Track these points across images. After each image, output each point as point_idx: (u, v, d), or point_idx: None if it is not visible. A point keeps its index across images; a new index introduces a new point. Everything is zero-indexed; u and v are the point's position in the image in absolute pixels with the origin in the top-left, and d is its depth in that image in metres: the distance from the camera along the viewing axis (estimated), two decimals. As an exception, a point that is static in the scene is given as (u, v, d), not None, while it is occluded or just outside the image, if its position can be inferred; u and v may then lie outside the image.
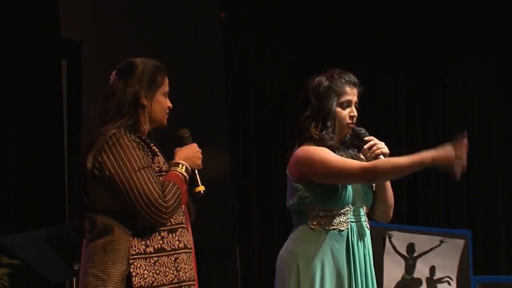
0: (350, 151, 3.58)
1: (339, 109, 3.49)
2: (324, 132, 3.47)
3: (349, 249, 3.46)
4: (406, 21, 6.49)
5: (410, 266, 5.49)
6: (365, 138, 3.53)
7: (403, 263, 5.48)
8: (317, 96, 3.50)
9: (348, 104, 3.51)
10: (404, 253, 5.50)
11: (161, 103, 3.17)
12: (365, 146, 3.51)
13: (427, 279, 5.51)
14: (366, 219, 3.56)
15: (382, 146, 3.50)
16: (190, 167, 3.13)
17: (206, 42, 6.48)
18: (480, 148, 6.46)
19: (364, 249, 3.51)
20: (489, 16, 6.46)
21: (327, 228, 3.45)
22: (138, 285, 2.99)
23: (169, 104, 3.20)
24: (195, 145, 3.21)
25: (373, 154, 3.49)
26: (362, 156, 3.58)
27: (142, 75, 3.13)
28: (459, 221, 6.29)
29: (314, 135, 3.49)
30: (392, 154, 3.52)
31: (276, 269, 3.54)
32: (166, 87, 3.19)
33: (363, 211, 3.54)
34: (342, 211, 3.46)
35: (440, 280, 5.50)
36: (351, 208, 3.48)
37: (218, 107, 6.35)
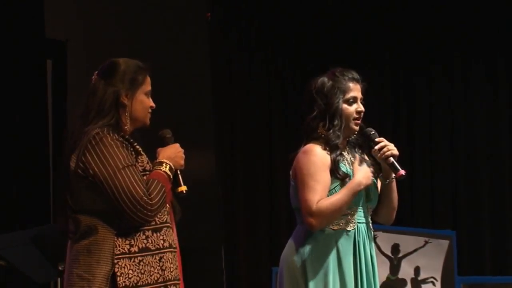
0: (356, 150, 3.56)
1: (345, 106, 3.49)
2: (331, 130, 3.46)
3: (356, 249, 3.46)
4: (394, 23, 6.52)
5: (395, 267, 5.51)
6: (376, 140, 3.51)
7: (388, 263, 5.50)
8: (322, 96, 3.50)
9: (354, 100, 3.51)
10: (389, 253, 5.52)
11: (143, 102, 3.16)
12: (376, 147, 3.49)
13: (412, 279, 5.53)
14: (370, 221, 3.55)
15: (392, 148, 3.48)
16: (173, 166, 3.13)
17: (192, 42, 6.47)
18: (465, 149, 6.48)
19: (371, 250, 3.51)
20: (479, 17, 6.48)
21: (334, 228, 3.44)
22: (123, 284, 2.98)
23: (152, 104, 3.19)
24: (177, 145, 3.21)
25: (383, 156, 3.47)
26: (367, 158, 3.55)
27: (124, 74, 3.13)
28: (443, 222, 6.31)
29: (322, 135, 3.48)
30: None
31: (281, 269, 3.52)
32: (147, 87, 3.18)
33: (368, 213, 3.53)
34: (348, 211, 3.45)
35: (424, 281, 5.53)
36: (357, 209, 3.48)
37: (204, 107, 6.35)
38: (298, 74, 6.45)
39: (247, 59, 6.41)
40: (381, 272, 5.47)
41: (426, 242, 5.51)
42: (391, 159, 3.46)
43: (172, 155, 3.16)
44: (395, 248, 5.52)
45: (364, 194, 3.49)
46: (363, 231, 3.48)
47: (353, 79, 3.53)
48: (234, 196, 6.26)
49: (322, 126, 3.49)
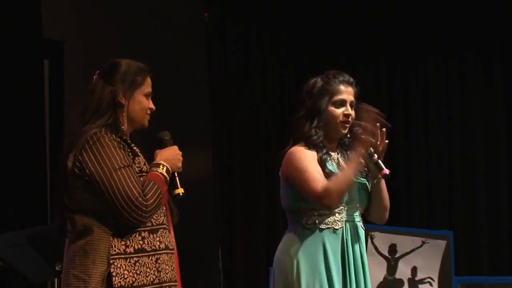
0: (348, 153, 3.55)
1: (332, 108, 3.49)
2: (313, 131, 3.48)
3: (344, 248, 3.47)
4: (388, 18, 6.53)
5: (392, 267, 5.51)
6: (359, 132, 3.47)
7: (385, 264, 5.50)
8: (311, 97, 3.52)
9: (342, 103, 3.50)
10: (386, 254, 5.52)
11: (141, 103, 3.16)
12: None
13: (409, 279, 5.54)
14: (361, 220, 3.56)
15: (372, 139, 3.44)
16: (170, 168, 3.13)
17: (190, 42, 6.47)
18: (462, 149, 6.49)
19: (361, 248, 3.52)
20: (479, 17, 6.49)
21: (322, 227, 3.46)
22: (118, 285, 2.99)
23: (151, 106, 3.19)
24: (175, 147, 3.21)
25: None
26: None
27: (124, 75, 3.14)
28: (441, 222, 6.32)
29: (306, 134, 3.49)
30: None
31: (273, 270, 3.55)
32: (147, 88, 3.18)
33: (357, 212, 3.54)
34: (336, 210, 3.46)
35: (422, 281, 5.53)
36: (345, 207, 3.49)
37: (201, 108, 6.34)
38: (296, 74, 6.45)
39: (245, 59, 6.41)
40: (378, 272, 5.47)
41: (423, 243, 5.52)
42: (376, 157, 3.46)
43: (169, 157, 3.16)
44: (392, 248, 5.52)
45: (348, 193, 3.48)
46: (351, 229, 3.49)
47: (345, 82, 3.53)
48: (232, 197, 6.26)
49: (307, 126, 3.50)
